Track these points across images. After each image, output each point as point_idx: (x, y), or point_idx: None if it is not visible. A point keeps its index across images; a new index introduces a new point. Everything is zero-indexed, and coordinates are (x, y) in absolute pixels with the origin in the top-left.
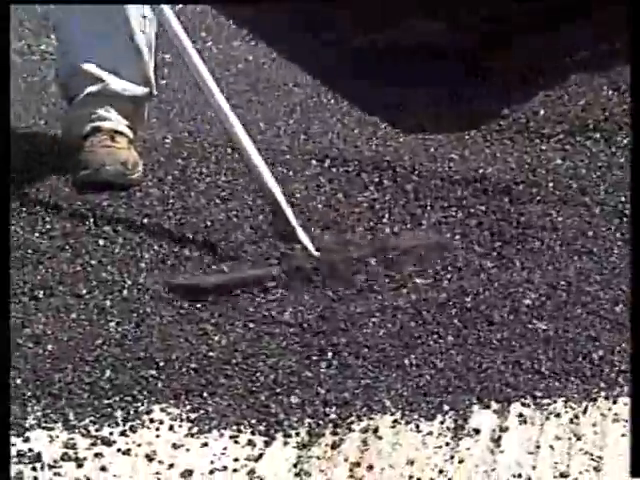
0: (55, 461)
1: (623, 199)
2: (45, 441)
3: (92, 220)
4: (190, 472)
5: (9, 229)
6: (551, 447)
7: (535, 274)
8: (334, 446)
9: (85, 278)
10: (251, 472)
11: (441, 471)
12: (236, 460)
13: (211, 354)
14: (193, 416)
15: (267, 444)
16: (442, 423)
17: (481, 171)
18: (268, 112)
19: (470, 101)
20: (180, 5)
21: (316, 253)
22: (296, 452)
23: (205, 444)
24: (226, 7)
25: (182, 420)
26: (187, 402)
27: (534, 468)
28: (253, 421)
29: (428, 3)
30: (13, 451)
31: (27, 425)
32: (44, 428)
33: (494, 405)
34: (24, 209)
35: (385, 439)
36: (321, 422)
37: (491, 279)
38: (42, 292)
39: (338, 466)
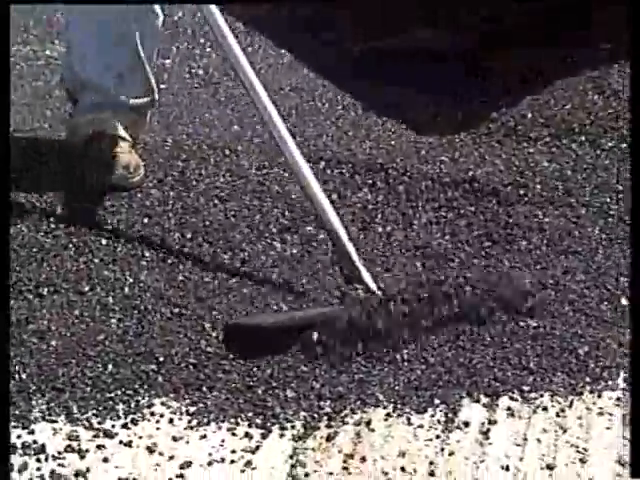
0: (59, 452)
1: (608, 200)
2: (49, 433)
3: (95, 220)
4: (189, 463)
5: (9, 227)
6: (538, 440)
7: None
8: (329, 438)
9: (88, 276)
10: (248, 464)
11: (431, 463)
12: (233, 452)
13: (209, 350)
14: (192, 409)
15: (264, 436)
16: (433, 416)
17: (470, 173)
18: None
19: (470, 101)
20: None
21: (379, 293)
22: (292, 444)
23: (204, 436)
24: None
25: (181, 413)
26: (186, 396)
27: (521, 460)
28: (250, 414)
29: (428, 9)
30: (18, 443)
31: (32, 418)
32: (48, 421)
33: (483, 399)
34: (29, 209)
35: (378, 432)
36: (316, 415)
37: (480, 278)
38: (46, 289)
39: (332, 457)
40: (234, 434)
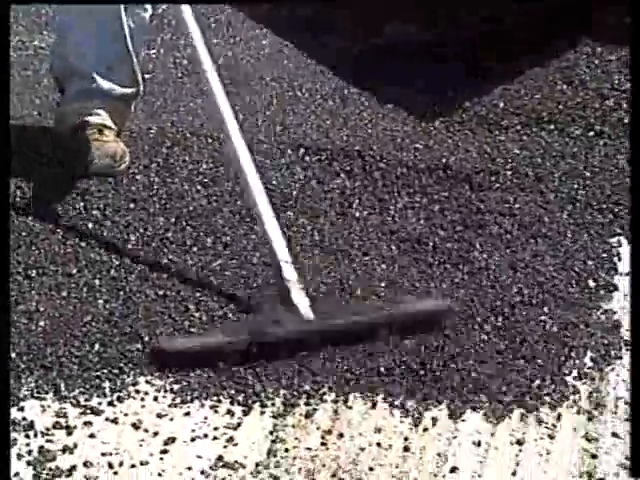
0: (47, 429)
1: (576, 186)
2: (38, 410)
3: (82, 205)
4: (173, 439)
5: (9, 219)
6: (508, 417)
7: (494, 256)
8: (307, 415)
9: (75, 258)
10: (230, 440)
11: (406, 439)
12: (216, 429)
13: (193, 330)
14: (176, 387)
15: (245, 413)
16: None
17: (444, 160)
18: (246, 104)
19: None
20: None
21: (310, 318)
22: (272, 421)
23: (187, 413)
24: (226, 9)
25: (166, 391)
26: (170, 374)
27: (492, 435)
28: (232, 392)
29: (428, 8)
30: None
31: (21, 395)
32: (37, 398)
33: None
34: (18, 195)
35: (355, 409)
36: (295, 393)
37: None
38: (35, 271)
39: (311, 434)
40: (216, 411)
